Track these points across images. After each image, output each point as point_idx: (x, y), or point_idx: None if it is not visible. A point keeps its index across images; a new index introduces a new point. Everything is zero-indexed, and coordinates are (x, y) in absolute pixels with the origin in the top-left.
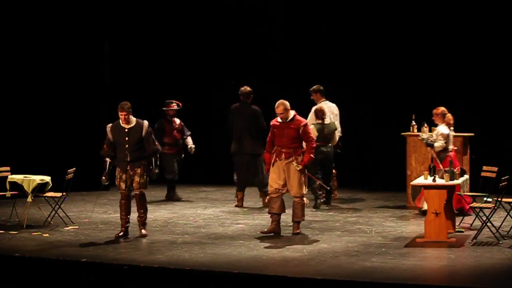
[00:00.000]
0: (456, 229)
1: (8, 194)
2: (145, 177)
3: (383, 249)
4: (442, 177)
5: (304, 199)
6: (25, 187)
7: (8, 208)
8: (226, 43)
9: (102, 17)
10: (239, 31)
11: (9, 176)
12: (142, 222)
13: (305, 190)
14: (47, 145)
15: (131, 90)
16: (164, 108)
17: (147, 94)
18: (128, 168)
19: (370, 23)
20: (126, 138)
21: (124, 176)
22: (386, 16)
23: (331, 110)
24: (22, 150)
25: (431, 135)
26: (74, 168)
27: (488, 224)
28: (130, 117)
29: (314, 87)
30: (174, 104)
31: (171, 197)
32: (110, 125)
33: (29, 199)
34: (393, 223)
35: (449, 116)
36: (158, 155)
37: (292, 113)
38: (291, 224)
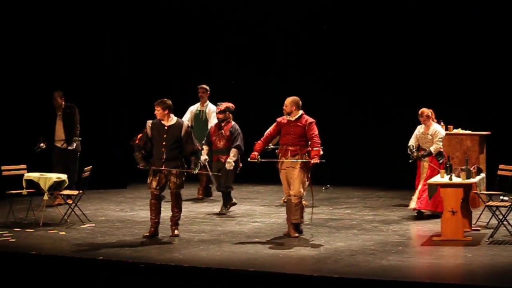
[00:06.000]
0: (473, 228)
1: (24, 192)
2: (182, 177)
3: (400, 248)
4: (458, 176)
5: (303, 201)
6: (42, 185)
7: (25, 206)
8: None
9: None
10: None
11: (26, 174)
12: (175, 222)
13: (304, 192)
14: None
15: (148, 89)
16: None
17: (163, 92)
18: (163, 167)
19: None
20: (165, 136)
21: (158, 175)
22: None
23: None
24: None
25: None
26: (91, 166)
27: (505, 222)
28: (171, 115)
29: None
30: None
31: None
32: (150, 121)
33: (46, 197)
34: (410, 221)
35: None
36: (198, 155)
37: (300, 112)
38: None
